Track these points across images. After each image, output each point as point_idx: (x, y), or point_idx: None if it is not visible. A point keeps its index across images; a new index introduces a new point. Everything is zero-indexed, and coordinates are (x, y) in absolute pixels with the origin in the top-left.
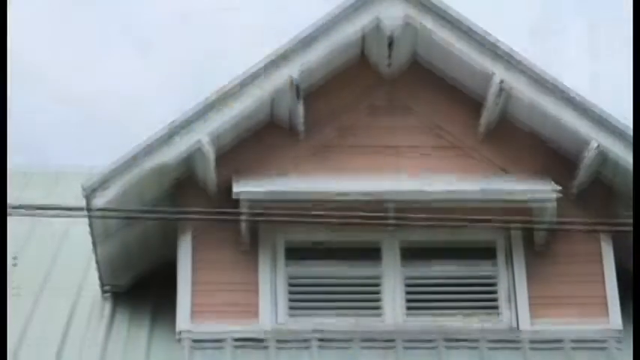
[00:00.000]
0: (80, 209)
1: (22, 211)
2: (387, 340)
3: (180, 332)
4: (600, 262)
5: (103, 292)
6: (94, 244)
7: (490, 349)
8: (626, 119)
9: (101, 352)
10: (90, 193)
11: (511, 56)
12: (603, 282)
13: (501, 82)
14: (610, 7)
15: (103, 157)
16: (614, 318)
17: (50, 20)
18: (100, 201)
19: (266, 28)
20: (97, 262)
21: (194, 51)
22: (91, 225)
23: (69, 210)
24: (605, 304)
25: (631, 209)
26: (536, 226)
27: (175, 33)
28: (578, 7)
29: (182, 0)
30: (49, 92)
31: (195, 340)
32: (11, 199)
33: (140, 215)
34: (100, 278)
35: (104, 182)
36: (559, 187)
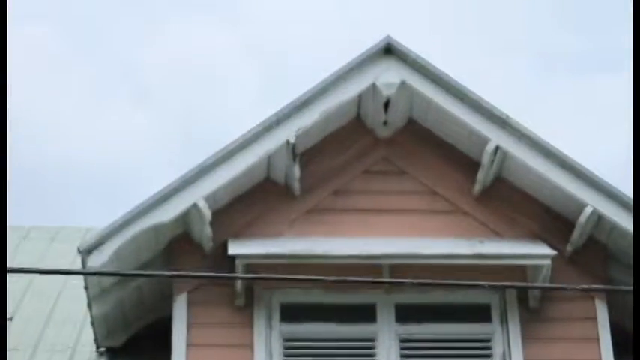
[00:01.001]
0: (75, 272)
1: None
2: None
3: None
4: (595, 323)
5: (98, 350)
6: (90, 302)
7: None
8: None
9: None
10: (86, 252)
11: (506, 122)
12: (598, 343)
13: (497, 147)
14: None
15: (100, 218)
16: None
17: (49, 73)
18: (95, 260)
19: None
20: (93, 320)
21: (192, 102)
22: (86, 284)
23: (65, 272)
24: None
25: (625, 270)
26: (530, 287)
27: (174, 84)
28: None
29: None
30: (48, 152)
31: None
32: (10, 253)
33: (136, 273)
34: (95, 336)
35: (100, 242)
36: (554, 252)
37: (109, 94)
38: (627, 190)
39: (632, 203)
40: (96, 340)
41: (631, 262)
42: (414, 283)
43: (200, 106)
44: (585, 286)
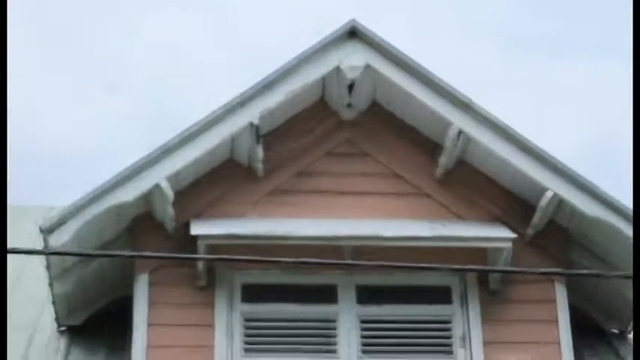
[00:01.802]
0: (37, 251)
1: None
2: None
3: None
4: (554, 305)
5: (59, 329)
6: (51, 281)
7: None
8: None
9: None
10: (47, 232)
11: (470, 106)
12: (557, 325)
13: (460, 131)
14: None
15: (64, 197)
16: None
17: (23, 59)
18: (57, 239)
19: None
20: (54, 299)
21: (165, 88)
22: (48, 263)
23: (26, 251)
24: (559, 347)
25: (585, 254)
26: (490, 270)
27: (147, 70)
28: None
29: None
30: (20, 134)
31: None
32: None
33: (97, 253)
34: (56, 315)
35: (62, 221)
36: (514, 235)
37: (83, 80)
38: (588, 174)
39: (594, 188)
40: (57, 319)
41: (591, 245)
42: (375, 265)
43: (173, 91)
44: (546, 269)
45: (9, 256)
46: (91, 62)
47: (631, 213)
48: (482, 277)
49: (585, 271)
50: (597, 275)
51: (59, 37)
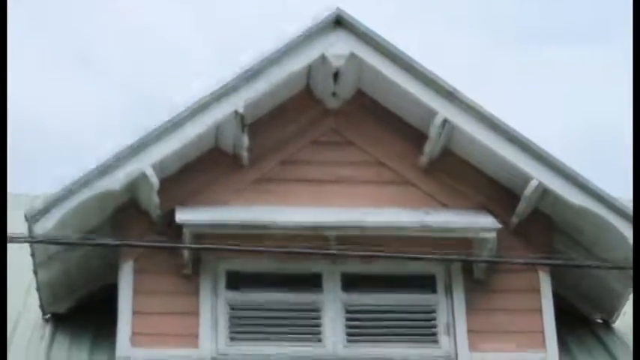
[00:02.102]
0: (22, 238)
1: None
2: None
3: (119, 358)
4: (539, 294)
5: (44, 316)
6: (35, 269)
7: None
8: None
9: None
10: (32, 219)
11: (454, 95)
12: (541, 314)
13: (444, 120)
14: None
15: (50, 184)
16: (551, 350)
17: None
18: (42, 227)
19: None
20: (38, 287)
21: (144, 71)
22: (32, 251)
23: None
24: (543, 336)
25: (570, 243)
26: (475, 259)
27: (126, 53)
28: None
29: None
30: None
31: None
32: None
33: (82, 242)
34: (41, 302)
35: (47, 209)
36: (499, 224)
37: (60, 64)
38: (572, 162)
39: (579, 177)
40: (41, 306)
41: (575, 234)
42: (360, 252)
43: (152, 74)
44: (529, 259)
45: None
46: (68, 45)
47: (615, 202)
48: (467, 266)
49: (573, 262)
50: (584, 266)
51: (36, 20)
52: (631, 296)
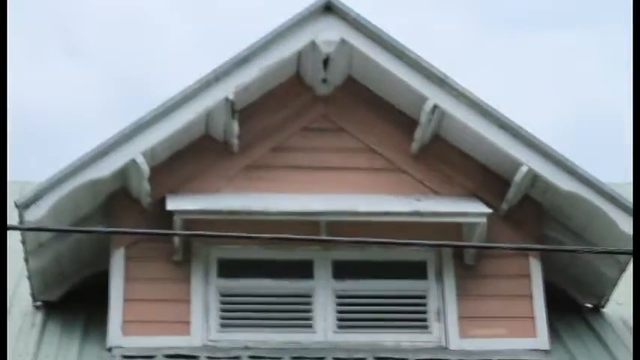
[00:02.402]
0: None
1: None
2: (317, 356)
3: (111, 348)
4: (529, 280)
5: (35, 304)
6: (26, 256)
7: None
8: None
9: None
10: (23, 207)
11: (445, 81)
12: (531, 300)
13: (435, 106)
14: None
15: (39, 172)
16: (542, 335)
17: None
18: (33, 215)
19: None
20: (29, 274)
21: (129, 54)
22: (23, 238)
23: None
24: (533, 322)
25: (560, 228)
26: (465, 244)
27: (111, 36)
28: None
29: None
30: None
31: (125, 356)
32: None
33: (73, 229)
34: (32, 290)
35: (38, 196)
36: (489, 210)
37: (44, 49)
38: (563, 149)
39: (569, 163)
40: (32, 294)
41: (565, 220)
42: (351, 241)
43: (138, 57)
44: (522, 245)
45: None
46: (55, 29)
47: (604, 188)
48: (458, 252)
49: (561, 247)
50: (573, 251)
51: (19, 6)
52: (620, 282)
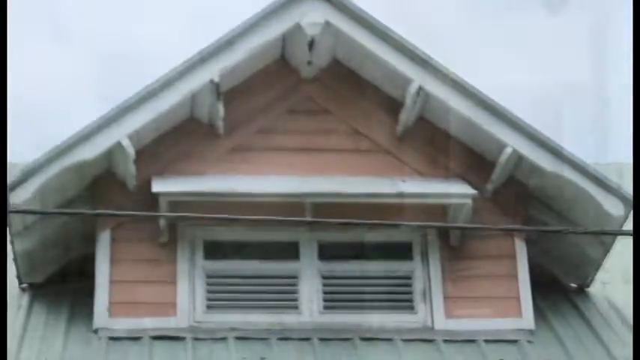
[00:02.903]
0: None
1: None
2: (303, 337)
3: (97, 329)
4: (514, 261)
5: (21, 286)
6: (12, 239)
7: (405, 345)
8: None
9: (17, 344)
10: (10, 189)
11: (429, 63)
12: (517, 280)
13: (419, 87)
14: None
15: (24, 154)
16: (527, 315)
17: None
18: (19, 197)
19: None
20: (15, 257)
21: (116, 37)
22: (9, 220)
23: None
24: (519, 302)
25: (544, 209)
26: (451, 225)
27: (96, 18)
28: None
29: None
30: None
31: (112, 338)
32: None
33: (59, 211)
34: (18, 273)
35: (23, 179)
36: (474, 191)
37: (29, 32)
38: (547, 130)
39: (553, 144)
40: (18, 276)
41: (550, 201)
42: (336, 223)
43: (125, 40)
44: (507, 226)
45: None
46: (40, 11)
47: (588, 168)
48: (443, 233)
49: (549, 228)
50: (557, 231)
51: None
52: (604, 262)
